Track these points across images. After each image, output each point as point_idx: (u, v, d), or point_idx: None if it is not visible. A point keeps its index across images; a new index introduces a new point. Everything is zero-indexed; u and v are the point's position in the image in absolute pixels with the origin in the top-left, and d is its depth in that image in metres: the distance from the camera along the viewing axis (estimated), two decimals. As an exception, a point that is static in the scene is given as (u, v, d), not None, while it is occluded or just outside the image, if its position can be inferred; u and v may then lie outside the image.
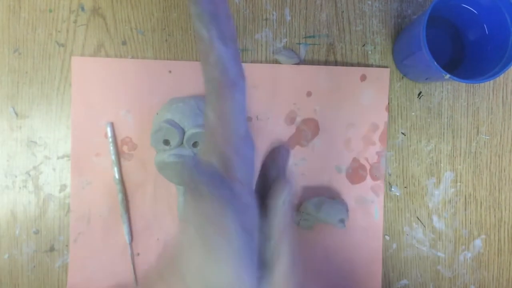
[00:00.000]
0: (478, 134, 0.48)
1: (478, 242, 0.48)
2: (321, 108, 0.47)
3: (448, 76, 0.38)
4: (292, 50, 0.47)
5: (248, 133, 0.20)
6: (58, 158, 0.45)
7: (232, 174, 0.19)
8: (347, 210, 0.45)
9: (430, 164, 0.48)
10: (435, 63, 0.37)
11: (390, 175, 0.47)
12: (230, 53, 0.19)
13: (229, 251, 0.17)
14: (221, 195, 0.18)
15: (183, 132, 0.40)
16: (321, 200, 0.44)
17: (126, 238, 0.45)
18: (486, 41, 0.43)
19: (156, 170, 0.43)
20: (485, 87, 0.48)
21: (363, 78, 0.47)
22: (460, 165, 0.48)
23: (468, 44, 0.45)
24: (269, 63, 0.47)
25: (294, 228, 0.22)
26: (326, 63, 0.47)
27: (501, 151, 0.48)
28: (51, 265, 0.45)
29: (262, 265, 0.20)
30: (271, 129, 0.46)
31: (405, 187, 0.47)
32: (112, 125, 0.45)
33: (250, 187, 0.20)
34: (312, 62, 0.47)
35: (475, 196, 0.48)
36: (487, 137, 0.48)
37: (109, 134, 0.45)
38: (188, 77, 0.46)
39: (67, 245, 0.45)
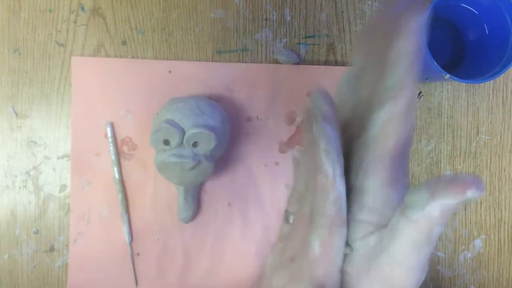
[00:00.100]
0: (478, 134, 0.48)
1: (478, 242, 0.48)
2: (321, 108, 0.47)
3: (448, 76, 0.38)
4: (292, 50, 0.47)
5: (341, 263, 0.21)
6: (58, 158, 0.45)
7: None
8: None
9: (430, 164, 0.48)
10: (435, 63, 0.37)
11: (390, 175, 0.47)
12: (345, 192, 0.19)
13: None
14: None
15: (183, 132, 0.40)
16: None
17: (126, 238, 0.45)
18: (486, 41, 0.43)
19: (156, 170, 0.43)
20: (485, 87, 0.48)
21: (363, 78, 0.47)
22: (460, 165, 0.48)
23: (468, 44, 0.45)
24: (269, 63, 0.47)
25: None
26: (326, 63, 0.47)
27: (501, 151, 0.48)
28: (51, 265, 0.45)
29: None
30: (271, 129, 0.46)
31: (405, 187, 0.47)
32: (112, 125, 0.45)
33: None
34: (312, 62, 0.47)
35: (475, 196, 0.48)
36: (487, 137, 0.48)
37: (109, 134, 0.45)
38: (188, 77, 0.46)
39: (67, 245, 0.45)
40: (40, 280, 0.45)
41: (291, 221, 0.23)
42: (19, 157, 0.45)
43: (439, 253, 0.47)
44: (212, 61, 0.46)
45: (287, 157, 0.46)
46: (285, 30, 0.47)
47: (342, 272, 0.20)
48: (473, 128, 0.48)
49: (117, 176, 0.45)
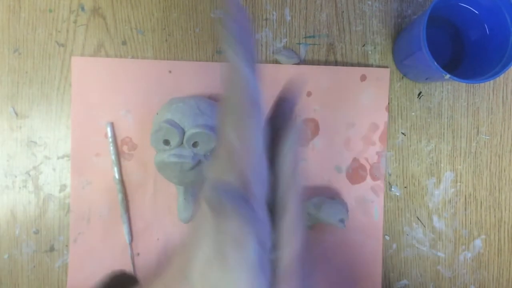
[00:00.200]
0: (478, 134, 0.48)
1: (478, 242, 0.48)
2: (321, 108, 0.47)
3: (448, 76, 0.38)
4: (292, 50, 0.47)
5: (263, 149, 0.21)
6: (58, 158, 0.45)
7: (250, 191, 0.19)
8: (347, 210, 0.45)
9: (430, 164, 0.48)
10: (435, 63, 0.37)
11: (390, 175, 0.47)
12: (253, 74, 0.20)
13: (246, 266, 0.18)
14: (244, 214, 0.18)
15: (183, 132, 0.40)
16: (321, 200, 0.44)
17: (126, 238, 0.45)
18: (486, 41, 0.43)
19: (156, 170, 0.43)
20: (485, 87, 0.48)
21: (363, 78, 0.47)
22: (460, 165, 0.48)
23: (468, 44, 0.45)
24: (269, 63, 0.47)
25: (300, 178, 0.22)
26: (326, 63, 0.47)
27: (501, 151, 0.48)
28: (51, 265, 0.45)
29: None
30: (271, 129, 0.46)
31: (405, 187, 0.47)
32: (112, 125, 0.45)
33: (263, 201, 0.20)
34: (312, 62, 0.47)
35: (475, 196, 0.48)
36: (487, 137, 0.48)
37: (109, 134, 0.45)
38: (188, 77, 0.46)
39: (67, 245, 0.45)
40: (40, 280, 0.45)
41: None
42: (19, 157, 0.45)
43: (439, 253, 0.47)
44: (212, 61, 0.46)
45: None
46: (285, 30, 0.47)
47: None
48: (473, 128, 0.48)
49: (117, 176, 0.45)
